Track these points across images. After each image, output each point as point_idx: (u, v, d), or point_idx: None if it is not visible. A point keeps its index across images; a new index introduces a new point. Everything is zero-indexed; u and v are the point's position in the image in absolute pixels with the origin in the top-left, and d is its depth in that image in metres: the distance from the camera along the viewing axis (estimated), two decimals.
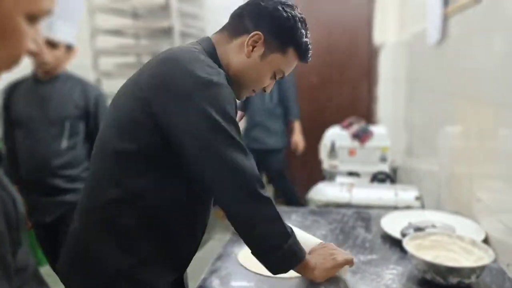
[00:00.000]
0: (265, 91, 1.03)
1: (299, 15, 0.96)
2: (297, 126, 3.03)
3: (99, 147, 0.94)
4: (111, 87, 3.08)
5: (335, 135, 2.48)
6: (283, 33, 0.95)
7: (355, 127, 2.47)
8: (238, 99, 0.99)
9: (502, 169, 1.22)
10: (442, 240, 1.14)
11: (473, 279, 0.98)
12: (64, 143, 1.65)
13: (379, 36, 3.16)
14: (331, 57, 3.29)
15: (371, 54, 3.23)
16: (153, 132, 0.85)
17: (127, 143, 0.86)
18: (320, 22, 3.22)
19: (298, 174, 3.38)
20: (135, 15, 3.25)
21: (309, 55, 1.00)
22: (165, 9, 2.80)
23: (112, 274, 0.89)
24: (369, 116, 3.20)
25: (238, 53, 0.96)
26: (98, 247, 0.90)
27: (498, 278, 1.06)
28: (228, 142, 0.84)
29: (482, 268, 0.99)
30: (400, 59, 2.98)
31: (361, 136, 2.41)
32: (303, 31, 0.96)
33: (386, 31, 3.13)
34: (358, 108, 3.26)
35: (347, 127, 2.52)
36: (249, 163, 0.85)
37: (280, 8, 0.94)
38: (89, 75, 3.07)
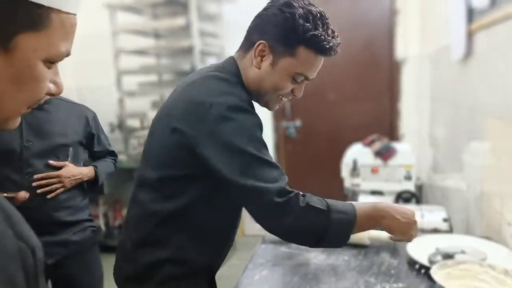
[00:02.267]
0: (295, 95, 1.01)
1: (301, 11, 0.91)
2: None
3: (141, 178, 1.02)
4: (134, 105, 3.18)
5: (357, 153, 2.43)
6: (285, 35, 0.92)
7: (378, 145, 2.42)
8: (270, 110, 1.04)
9: None
10: (472, 269, 1.08)
11: None
12: None
13: (401, 50, 3.11)
14: (351, 71, 3.26)
15: (393, 68, 3.18)
16: (192, 161, 0.91)
17: (169, 170, 0.95)
18: (339, 35, 3.19)
19: (318, 193, 3.32)
20: (156, 35, 3.32)
21: (327, 47, 0.93)
22: (185, 29, 2.85)
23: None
24: (392, 133, 3.13)
25: (251, 67, 0.97)
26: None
27: None
28: (247, 165, 0.87)
29: None
30: (424, 73, 2.92)
31: (384, 154, 2.36)
32: (307, 25, 0.91)
33: (408, 45, 3.08)
34: (380, 124, 3.19)
35: (369, 144, 2.47)
36: (267, 183, 0.87)
37: (278, 11, 0.93)
38: (112, 95, 3.15)
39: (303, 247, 1.44)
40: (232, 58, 1.02)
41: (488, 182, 1.59)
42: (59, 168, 1.49)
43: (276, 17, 0.93)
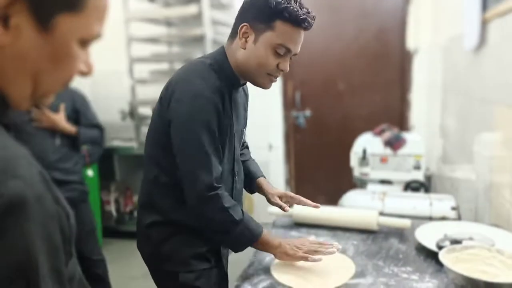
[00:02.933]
0: (283, 70, 1.08)
1: None
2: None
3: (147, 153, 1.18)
4: (145, 93, 3.21)
5: (367, 142, 2.44)
6: (261, 12, 1.02)
7: (388, 134, 2.43)
8: (264, 88, 1.13)
9: None
10: (480, 253, 1.10)
11: None
12: (58, 141, 1.96)
13: (412, 39, 3.09)
14: (361, 61, 3.24)
15: (404, 58, 3.16)
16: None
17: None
18: (350, 25, 3.19)
19: (327, 182, 3.34)
20: (168, 23, 3.33)
21: (301, 18, 1.01)
22: (197, 17, 2.85)
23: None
24: (402, 123, 3.12)
25: (238, 50, 1.08)
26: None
27: None
28: (194, 151, 1.03)
29: None
30: (435, 63, 2.90)
31: (394, 143, 2.36)
32: (280, 0, 1.00)
33: (420, 35, 3.05)
34: (391, 114, 3.18)
35: (379, 134, 2.48)
36: (205, 172, 1.03)
37: None
38: (124, 82, 3.18)
39: (313, 231, 1.48)
40: (222, 47, 1.14)
41: (497, 172, 1.59)
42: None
43: (253, 0, 1.05)
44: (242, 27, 1.05)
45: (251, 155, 1.42)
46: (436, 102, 2.95)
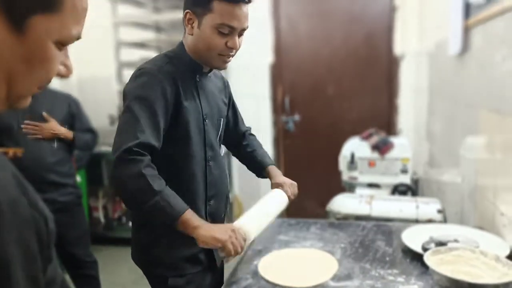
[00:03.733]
0: (231, 47, 1.09)
1: None
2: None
3: None
4: None
5: (355, 146, 2.46)
6: None
7: (375, 138, 2.45)
8: (220, 69, 1.19)
9: None
10: (464, 255, 1.11)
11: None
12: (55, 144, 1.98)
13: (399, 45, 3.14)
14: (350, 66, 3.28)
15: (392, 63, 3.21)
16: None
17: None
18: (338, 31, 3.22)
19: (317, 185, 3.36)
20: (157, 28, 3.34)
21: None
22: None
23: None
24: (389, 127, 3.16)
25: (189, 37, 1.13)
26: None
27: None
28: (127, 116, 1.04)
29: (506, 285, 0.96)
30: (422, 69, 2.95)
31: (381, 147, 2.39)
32: None
33: (406, 41, 3.10)
34: (378, 119, 3.22)
35: (366, 138, 2.50)
36: (130, 135, 1.00)
37: None
38: (113, 86, 3.17)
39: (301, 235, 1.48)
40: (181, 40, 1.19)
41: (482, 175, 1.62)
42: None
43: None
44: (186, 14, 1.09)
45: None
46: (423, 107, 2.99)
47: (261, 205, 1.18)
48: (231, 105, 1.37)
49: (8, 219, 0.41)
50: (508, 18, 1.31)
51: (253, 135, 1.45)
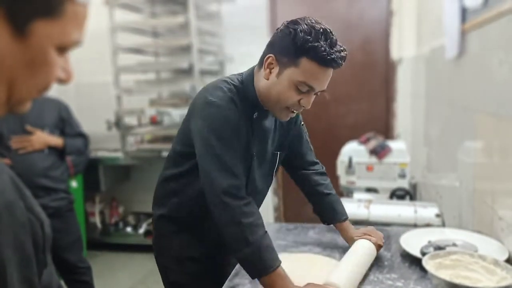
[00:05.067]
0: (303, 106, 1.07)
1: (304, 26, 1.00)
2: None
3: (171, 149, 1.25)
4: (131, 102, 3.19)
5: (352, 151, 2.46)
6: (288, 47, 1.01)
7: (373, 143, 2.45)
8: (280, 120, 1.16)
9: None
10: (463, 259, 1.11)
11: None
12: (46, 150, 2.01)
13: (396, 50, 3.15)
14: (347, 71, 3.29)
15: (389, 68, 3.22)
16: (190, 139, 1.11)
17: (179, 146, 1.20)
18: (335, 35, 3.22)
19: None
20: (155, 33, 3.34)
21: (328, 58, 0.99)
22: (184, 27, 2.86)
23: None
24: (387, 132, 3.16)
25: (262, 79, 1.08)
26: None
27: None
28: (209, 155, 1.03)
29: None
30: (419, 73, 2.95)
31: (379, 152, 2.39)
32: (308, 37, 0.99)
33: (403, 45, 3.11)
34: (376, 123, 3.23)
35: (364, 142, 2.50)
36: (220, 175, 1.00)
37: (285, 28, 1.03)
38: (110, 91, 3.16)
39: (300, 239, 1.48)
40: (252, 68, 1.15)
41: (480, 179, 1.62)
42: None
43: (282, 32, 1.04)
44: (268, 58, 1.05)
45: None
46: (420, 111, 3.00)
47: (352, 257, 1.16)
48: (297, 134, 1.36)
49: (5, 222, 0.41)
50: (505, 22, 1.32)
51: (326, 173, 1.40)
